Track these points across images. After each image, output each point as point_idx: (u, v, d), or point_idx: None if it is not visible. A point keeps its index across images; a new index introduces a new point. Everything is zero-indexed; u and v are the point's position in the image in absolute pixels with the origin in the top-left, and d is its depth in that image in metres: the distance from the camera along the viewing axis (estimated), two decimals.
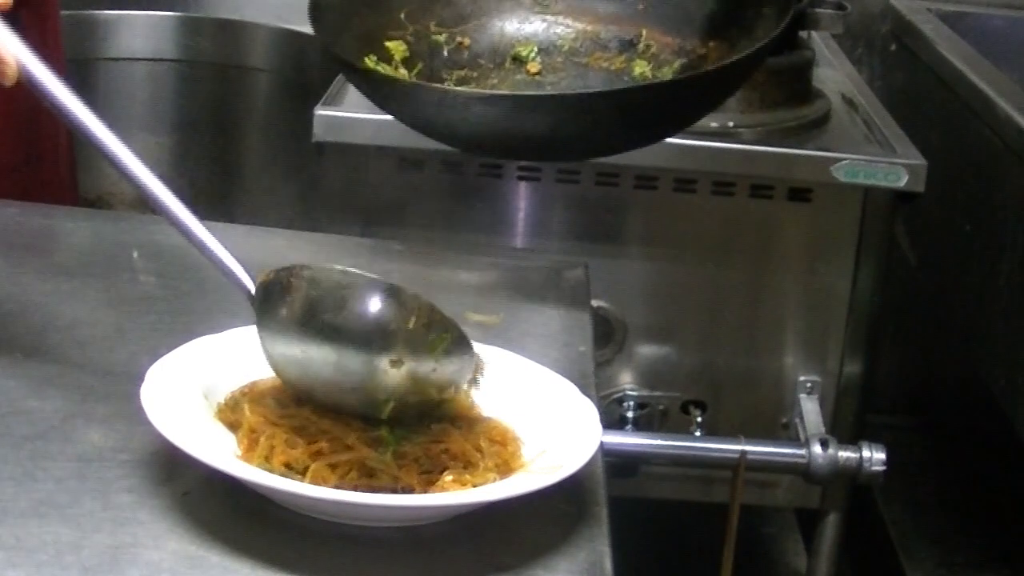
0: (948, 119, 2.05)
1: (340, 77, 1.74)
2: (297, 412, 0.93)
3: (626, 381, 1.76)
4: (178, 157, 2.29)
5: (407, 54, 1.30)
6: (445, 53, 1.33)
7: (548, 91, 1.31)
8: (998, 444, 2.00)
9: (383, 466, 0.89)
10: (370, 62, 1.26)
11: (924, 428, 2.52)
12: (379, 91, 1.24)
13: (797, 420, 1.74)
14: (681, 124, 1.32)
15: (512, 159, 1.40)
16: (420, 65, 1.31)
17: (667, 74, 1.29)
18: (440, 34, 1.33)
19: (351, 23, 1.28)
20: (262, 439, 0.90)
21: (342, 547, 0.87)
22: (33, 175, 1.55)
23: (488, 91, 1.28)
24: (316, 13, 1.25)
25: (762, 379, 1.77)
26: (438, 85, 1.27)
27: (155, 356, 0.96)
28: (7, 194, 1.44)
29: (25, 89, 1.54)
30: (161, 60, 2.26)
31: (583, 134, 1.18)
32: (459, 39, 1.34)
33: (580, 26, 1.35)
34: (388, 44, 1.29)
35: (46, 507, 0.87)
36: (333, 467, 0.89)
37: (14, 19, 1.51)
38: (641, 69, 1.31)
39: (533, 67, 1.33)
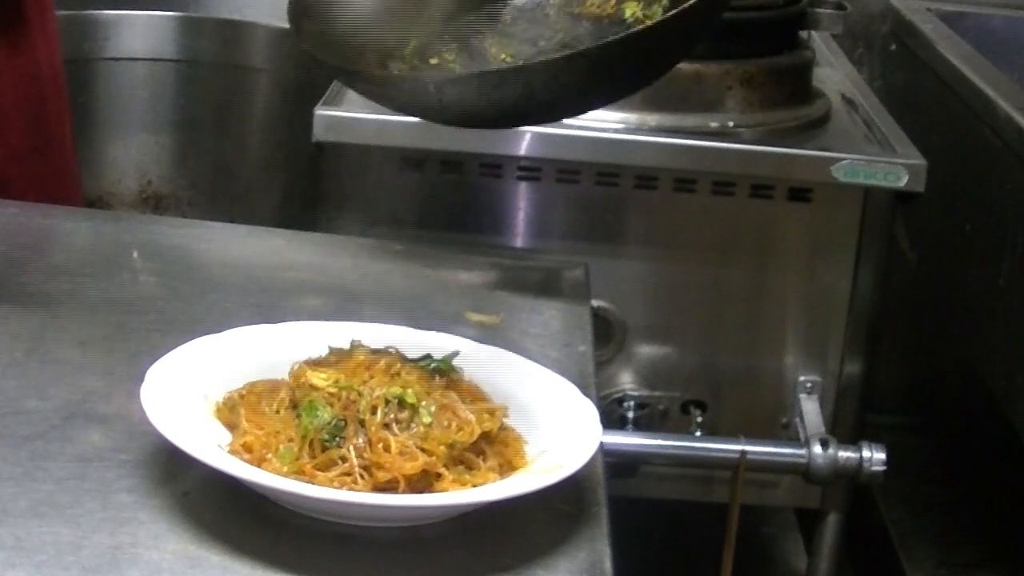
0: (948, 119, 2.05)
1: None
2: (289, 414, 0.93)
3: (626, 381, 1.76)
4: (178, 157, 2.29)
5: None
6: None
7: (537, 53, 1.32)
8: (998, 444, 2.00)
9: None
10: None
11: (924, 428, 2.52)
12: (361, 87, 1.27)
13: (797, 420, 1.74)
14: (656, 71, 1.31)
15: (511, 126, 1.49)
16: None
17: (657, 12, 1.29)
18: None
19: None
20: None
21: (342, 547, 0.87)
22: (43, 163, 1.55)
23: (455, 73, 1.30)
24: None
25: (762, 379, 1.77)
26: (404, 74, 1.28)
27: (155, 356, 0.96)
28: (20, 182, 1.44)
29: (33, 77, 1.55)
30: (161, 60, 2.26)
31: (561, 95, 1.19)
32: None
33: None
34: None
35: (46, 507, 0.87)
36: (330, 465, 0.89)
37: (17, 7, 1.52)
38: (632, 10, 1.31)
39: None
